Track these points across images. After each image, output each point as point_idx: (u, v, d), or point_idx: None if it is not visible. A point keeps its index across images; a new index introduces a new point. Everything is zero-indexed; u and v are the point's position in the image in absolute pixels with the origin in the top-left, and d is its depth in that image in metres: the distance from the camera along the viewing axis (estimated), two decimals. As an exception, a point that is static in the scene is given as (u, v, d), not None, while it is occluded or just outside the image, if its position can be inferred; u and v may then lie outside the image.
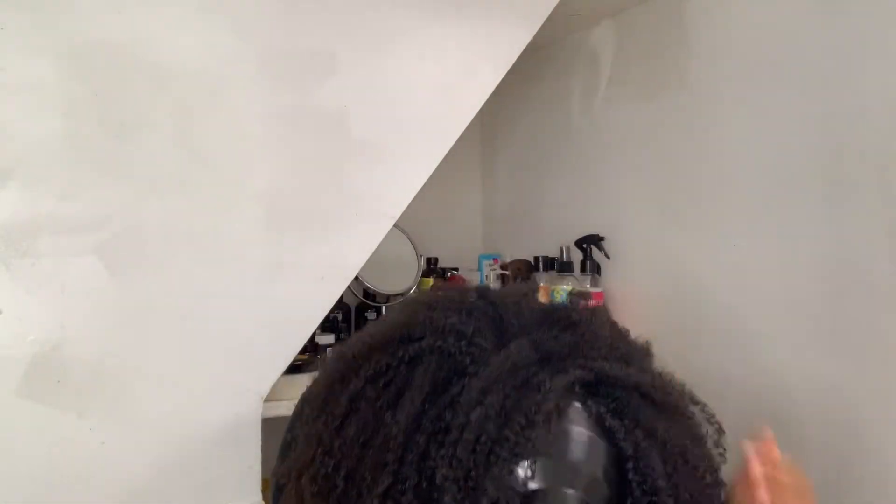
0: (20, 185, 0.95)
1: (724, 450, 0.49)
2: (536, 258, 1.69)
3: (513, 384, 0.43)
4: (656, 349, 0.54)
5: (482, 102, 1.25)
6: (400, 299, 1.67)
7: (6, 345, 0.94)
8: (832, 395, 1.10)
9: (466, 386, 0.42)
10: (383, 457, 0.41)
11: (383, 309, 1.65)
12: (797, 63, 1.18)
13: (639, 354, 0.51)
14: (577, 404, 0.44)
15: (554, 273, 1.62)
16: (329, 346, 1.54)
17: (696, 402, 0.50)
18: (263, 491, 1.09)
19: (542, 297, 1.58)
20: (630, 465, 0.42)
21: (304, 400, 0.52)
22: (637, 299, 1.52)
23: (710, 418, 0.50)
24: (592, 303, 0.58)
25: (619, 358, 0.48)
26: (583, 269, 1.58)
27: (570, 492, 0.40)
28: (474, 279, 1.87)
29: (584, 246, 1.60)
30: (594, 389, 0.45)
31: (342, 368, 0.48)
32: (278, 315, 1.11)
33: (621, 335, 0.53)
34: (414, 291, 1.70)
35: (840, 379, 1.10)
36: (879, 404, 1.04)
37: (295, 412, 0.72)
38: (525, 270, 1.75)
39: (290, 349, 1.12)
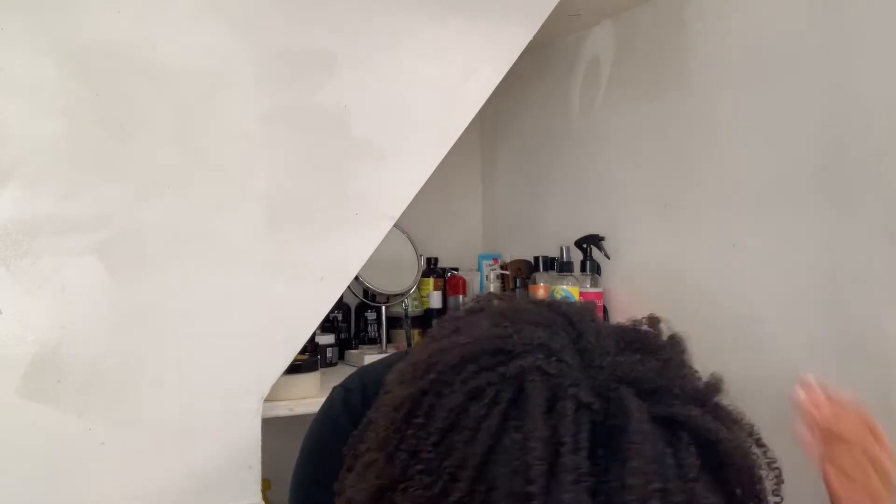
0: (20, 185, 0.95)
1: (781, 498, 0.49)
2: (536, 258, 1.69)
3: (663, 465, 0.43)
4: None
5: (482, 102, 1.25)
6: (400, 299, 1.67)
7: (6, 345, 0.94)
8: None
9: (637, 466, 0.42)
10: (521, 486, 0.40)
11: (382, 309, 1.65)
12: (797, 63, 1.18)
13: (715, 388, 0.52)
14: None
15: (554, 273, 1.62)
16: (329, 345, 1.54)
17: (760, 446, 0.50)
18: (264, 491, 1.09)
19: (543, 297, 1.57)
20: None
21: (374, 407, 0.50)
22: (637, 299, 1.52)
23: (772, 463, 0.50)
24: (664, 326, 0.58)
25: (699, 393, 0.48)
26: (583, 269, 1.58)
27: None
28: (474, 279, 1.87)
29: (584, 246, 1.60)
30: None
31: (433, 379, 0.46)
32: (278, 315, 1.10)
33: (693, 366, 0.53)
34: (414, 291, 1.70)
35: (840, 377, 1.10)
36: (881, 405, 1.04)
37: (327, 419, 0.69)
38: (525, 270, 1.75)
39: (290, 349, 1.12)
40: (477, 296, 0.62)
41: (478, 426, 0.43)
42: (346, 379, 0.73)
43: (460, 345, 0.47)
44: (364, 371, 0.74)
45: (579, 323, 0.50)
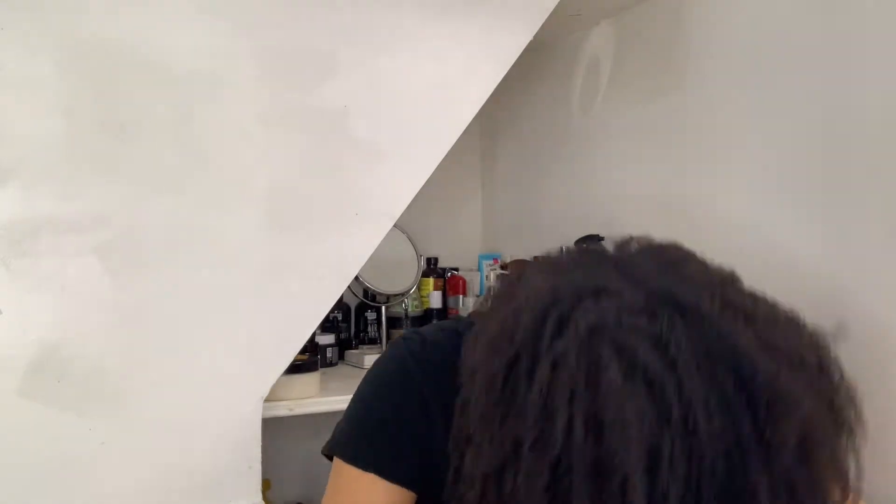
0: (20, 185, 0.95)
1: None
2: (536, 258, 1.69)
3: None
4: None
5: (482, 102, 1.25)
6: (400, 299, 1.67)
7: (6, 345, 0.94)
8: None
9: None
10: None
11: (382, 309, 1.65)
12: (797, 63, 1.18)
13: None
14: None
15: (554, 273, 1.61)
16: (329, 345, 1.54)
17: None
18: (264, 491, 1.09)
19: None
20: None
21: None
22: (637, 299, 1.52)
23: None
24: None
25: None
26: (583, 269, 1.57)
27: None
28: (474, 279, 1.87)
29: (584, 246, 1.60)
30: None
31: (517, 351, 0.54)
32: (278, 315, 1.10)
33: None
34: (414, 292, 1.70)
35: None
36: (882, 402, 1.04)
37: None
38: (525, 270, 1.75)
39: (290, 349, 1.12)
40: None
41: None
42: (404, 334, 0.76)
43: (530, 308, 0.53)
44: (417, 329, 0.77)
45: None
